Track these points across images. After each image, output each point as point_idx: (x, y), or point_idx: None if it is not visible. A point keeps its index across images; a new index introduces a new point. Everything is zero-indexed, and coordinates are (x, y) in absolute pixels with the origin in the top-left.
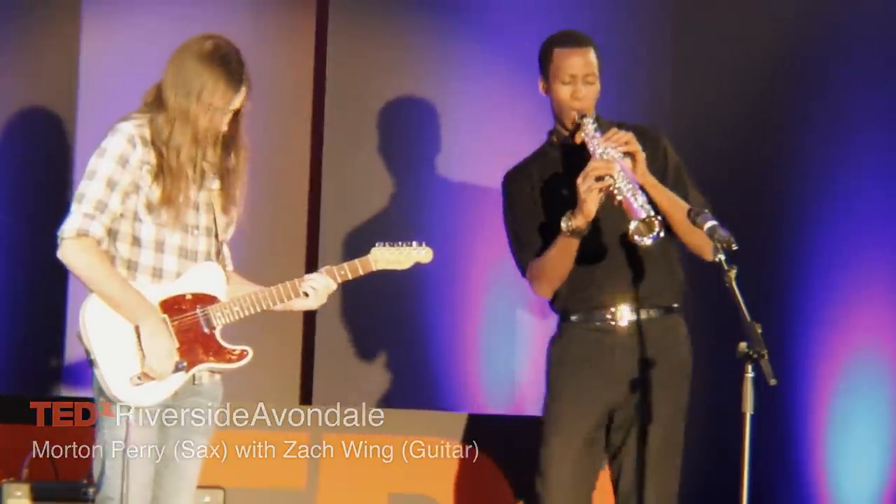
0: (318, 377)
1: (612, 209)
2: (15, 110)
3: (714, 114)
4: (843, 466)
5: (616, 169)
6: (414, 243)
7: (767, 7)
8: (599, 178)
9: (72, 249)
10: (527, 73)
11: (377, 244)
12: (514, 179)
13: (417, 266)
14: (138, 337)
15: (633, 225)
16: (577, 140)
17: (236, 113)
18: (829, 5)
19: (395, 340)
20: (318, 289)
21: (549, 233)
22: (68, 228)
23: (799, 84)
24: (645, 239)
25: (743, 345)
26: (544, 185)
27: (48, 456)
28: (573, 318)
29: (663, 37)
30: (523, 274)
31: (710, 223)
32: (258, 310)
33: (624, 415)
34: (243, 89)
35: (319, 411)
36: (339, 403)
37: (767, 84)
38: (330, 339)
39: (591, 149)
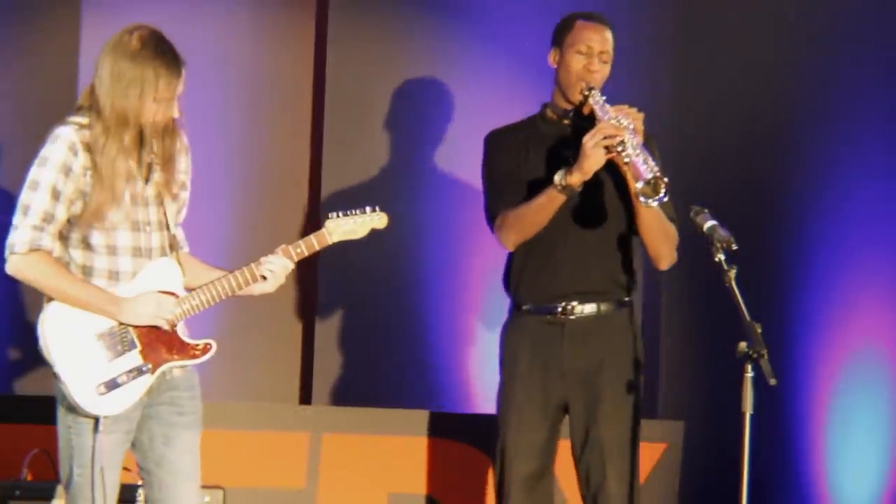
0: (318, 377)
1: (577, 200)
2: (15, 110)
3: (714, 114)
4: (843, 466)
5: (625, 133)
6: (367, 209)
7: (768, 7)
8: (607, 138)
9: (25, 264)
10: (527, 72)
11: (330, 215)
12: (499, 137)
13: (417, 266)
14: (100, 344)
15: (638, 185)
16: (586, 111)
17: None
18: (829, 5)
19: (394, 340)
20: (276, 270)
21: (530, 196)
22: (19, 243)
23: (799, 84)
24: (651, 201)
25: (743, 345)
26: (531, 153)
27: (48, 456)
28: (525, 307)
29: (664, 37)
30: (491, 221)
31: (710, 223)
32: (218, 300)
33: (579, 411)
34: (183, 71)
35: (319, 411)
36: (339, 403)
37: (767, 84)
38: (330, 339)
39: (601, 115)
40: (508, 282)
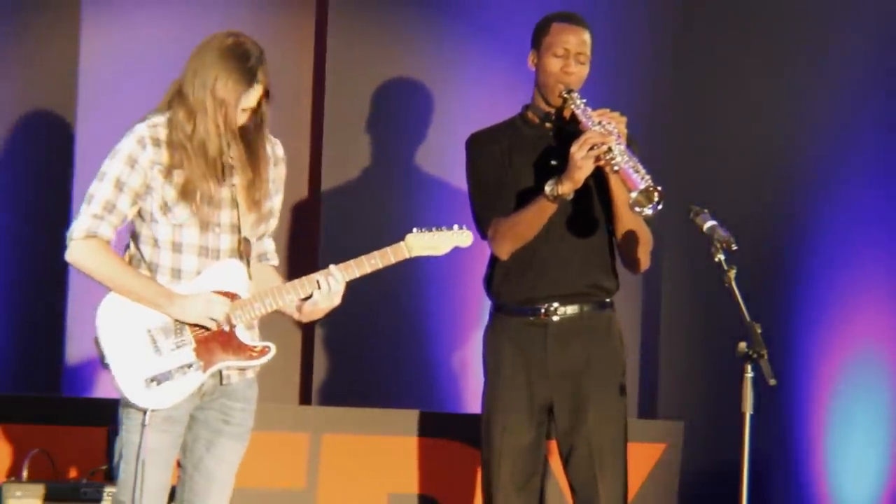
0: (318, 377)
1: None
2: (15, 110)
3: (715, 114)
4: (842, 466)
5: (613, 140)
6: (455, 226)
7: (769, 7)
8: (595, 148)
9: (80, 251)
10: (528, 71)
11: (414, 230)
12: (482, 141)
13: (417, 265)
14: (152, 338)
15: (632, 195)
16: (566, 114)
17: (256, 111)
18: (829, 5)
19: (395, 340)
20: (334, 286)
21: (517, 202)
22: (77, 230)
23: (800, 87)
24: (645, 210)
25: (743, 345)
26: (514, 157)
27: (48, 456)
28: (507, 308)
29: (664, 37)
30: (483, 229)
31: (710, 223)
32: (279, 305)
33: (565, 412)
34: (257, 87)
35: (319, 411)
36: (339, 403)
37: (769, 86)
38: (330, 339)
39: (585, 120)
40: (490, 283)
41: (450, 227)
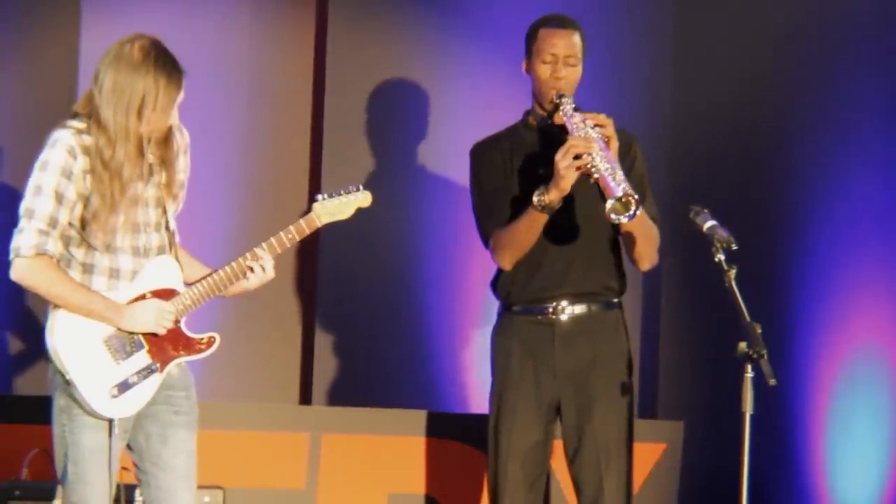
0: (318, 377)
1: (565, 203)
2: (15, 110)
3: (714, 113)
4: (842, 466)
5: (595, 147)
6: (352, 188)
7: (768, 6)
8: (578, 156)
9: (29, 269)
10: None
11: (318, 197)
12: (485, 149)
13: (417, 266)
14: (107, 348)
15: (609, 203)
16: (557, 121)
17: None
18: (829, 4)
19: (394, 340)
20: (267, 267)
21: (519, 208)
22: (25, 247)
23: (799, 84)
24: (622, 217)
25: (743, 345)
26: (516, 162)
27: (48, 456)
28: (515, 308)
29: (663, 35)
30: (486, 241)
31: (710, 223)
32: (216, 294)
33: (572, 411)
34: (181, 79)
35: (319, 411)
36: (339, 403)
37: (767, 83)
38: (330, 339)
39: (570, 127)
40: (498, 283)
41: (348, 190)
